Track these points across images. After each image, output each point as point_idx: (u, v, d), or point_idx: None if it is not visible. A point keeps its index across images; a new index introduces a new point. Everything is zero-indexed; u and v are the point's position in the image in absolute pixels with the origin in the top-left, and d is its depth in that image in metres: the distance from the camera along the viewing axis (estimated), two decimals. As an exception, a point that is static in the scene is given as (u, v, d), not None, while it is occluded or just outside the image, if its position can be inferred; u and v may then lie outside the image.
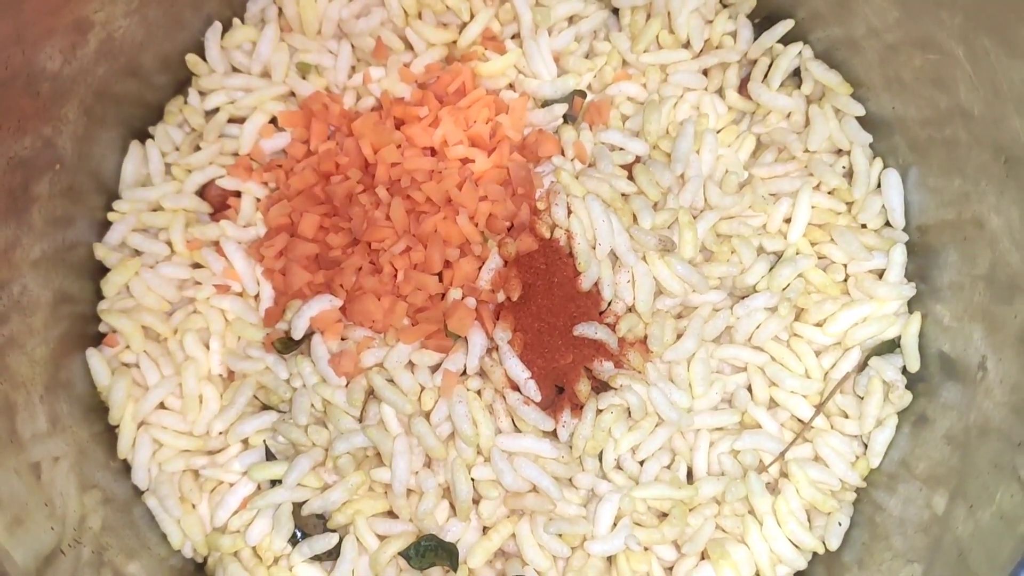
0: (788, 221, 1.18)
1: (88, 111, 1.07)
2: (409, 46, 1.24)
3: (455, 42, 1.24)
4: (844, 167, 1.20)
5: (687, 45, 1.26)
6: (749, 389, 1.14)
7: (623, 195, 1.16)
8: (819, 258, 1.17)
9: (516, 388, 1.08)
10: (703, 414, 1.11)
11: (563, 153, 1.20)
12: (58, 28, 0.99)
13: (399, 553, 1.05)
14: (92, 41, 1.04)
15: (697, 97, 1.24)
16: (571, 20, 1.26)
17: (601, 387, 1.11)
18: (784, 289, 1.14)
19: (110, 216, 1.15)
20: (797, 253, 1.16)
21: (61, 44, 1.00)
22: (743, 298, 1.15)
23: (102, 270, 1.14)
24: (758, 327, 1.13)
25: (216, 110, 1.21)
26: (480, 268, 1.11)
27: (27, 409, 0.99)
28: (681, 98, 1.24)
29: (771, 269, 1.15)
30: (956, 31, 1.01)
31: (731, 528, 1.10)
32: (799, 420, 1.13)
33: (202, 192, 1.20)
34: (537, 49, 1.22)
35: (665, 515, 1.09)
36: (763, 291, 1.14)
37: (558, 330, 1.10)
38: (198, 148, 1.20)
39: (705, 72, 1.27)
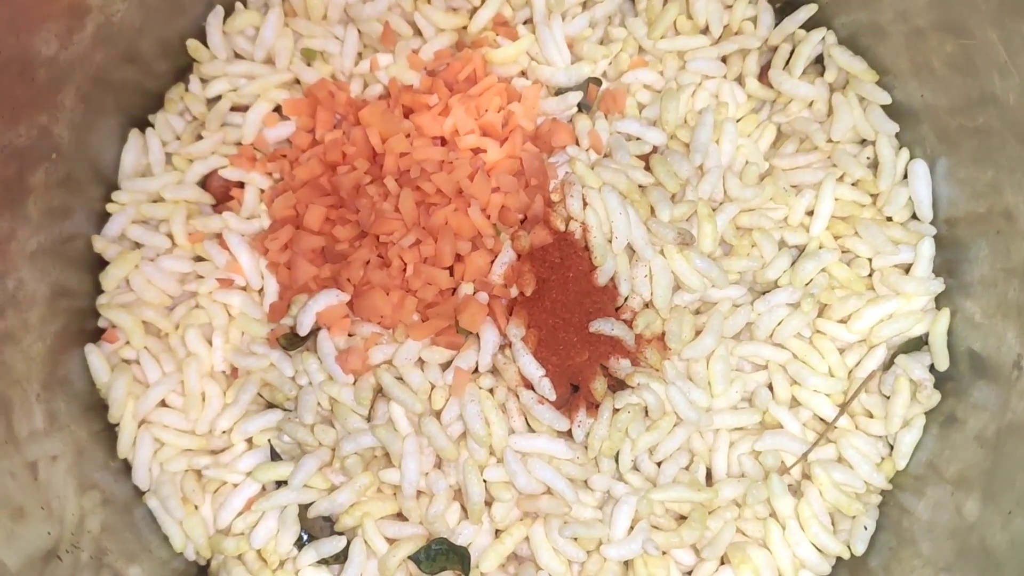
0: (811, 214, 1.14)
1: (86, 98, 1.04)
2: (418, 32, 1.21)
3: (465, 28, 1.21)
4: (869, 157, 1.16)
5: (705, 31, 1.23)
6: (770, 388, 1.11)
7: (640, 187, 1.12)
8: (843, 252, 1.13)
9: (530, 386, 1.05)
10: (723, 414, 1.08)
11: (577, 143, 1.16)
12: (54, 12, 0.96)
13: (409, 557, 1.02)
14: (89, 26, 1.01)
15: (716, 85, 1.21)
16: (585, 5, 1.23)
17: (618, 385, 1.08)
18: (807, 284, 1.10)
19: (109, 207, 1.12)
20: (820, 247, 1.12)
21: (57, 29, 0.97)
22: (764, 294, 1.11)
23: (101, 263, 1.11)
24: (780, 324, 1.10)
25: (218, 98, 1.18)
26: (492, 262, 1.08)
27: (23, 407, 0.96)
28: (700, 86, 1.21)
29: (793, 264, 1.11)
30: (990, 15, 0.97)
31: (752, 532, 1.07)
32: (822, 420, 1.10)
33: (204, 183, 1.17)
34: (550, 35, 1.18)
35: (683, 518, 1.06)
36: (785, 286, 1.10)
37: (573, 326, 1.07)
38: (200, 137, 1.17)
39: (724, 59, 1.23)
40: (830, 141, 1.17)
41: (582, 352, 1.06)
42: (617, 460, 1.06)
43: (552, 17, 1.19)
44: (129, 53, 1.09)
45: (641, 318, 1.08)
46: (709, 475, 1.09)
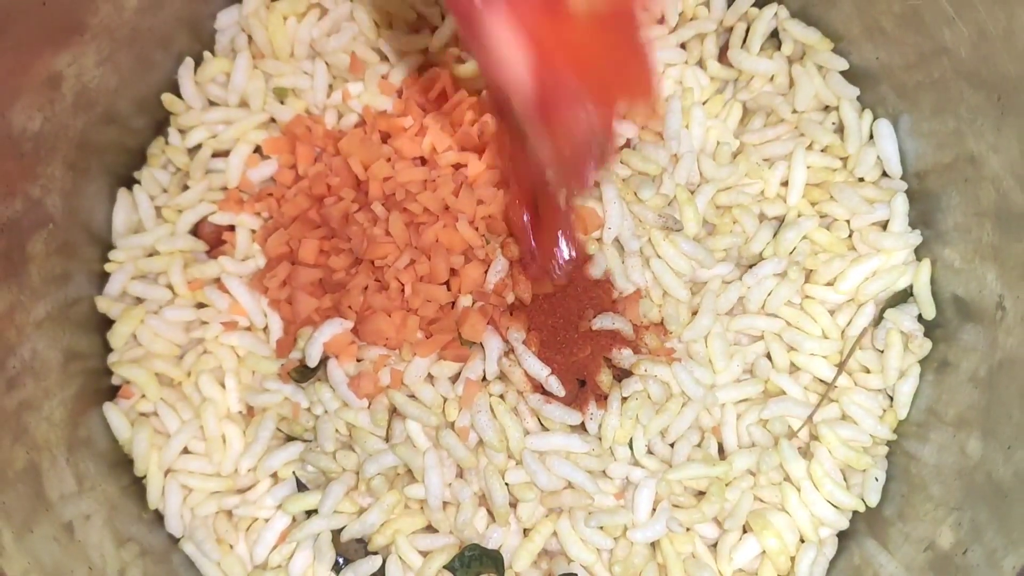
0: (785, 184, 1.19)
1: (72, 165, 1.08)
2: (384, 58, 1.24)
3: (427, 49, 1.24)
4: (834, 123, 1.21)
5: (661, 21, 1.26)
6: (769, 357, 1.15)
7: (623, 180, 1.16)
8: (821, 217, 1.18)
9: (539, 387, 1.09)
10: (727, 388, 1.12)
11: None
12: (32, 86, 0.99)
13: (444, 567, 1.06)
14: (68, 94, 1.05)
15: (679, 72, 1.25)
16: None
17: (622, 374, 1.12)
18: (791, 253, 1.15)
19: (107, 267, 1.15)
20: (799, 216, 1.17)
21: (38, 101, 1.00)
22: (751, 267, 1.15)
23: (107, 322, 1.15)
24: (770, 294, 1.14)
25: (199, 147, 1.21)
26: (486, 272, 1.12)
27: (53, 472, 1.00)
28: (663, 74, 1.24)
29: (775, 235, 1.16)
30: (932, -26, 1.02)
31: (769, 497, 1.11)
32: (822, 381, 1.14)
33: (196, 231, 1.20)
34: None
35: (702, 493, 1.10)
36: (770, 258, 1.15)
37: (572, 324, 1.11)
38: (186, 187, 1.20)
39: (683, 45, 1.27)
40: (795, 112, 1.21)
41: (584, 348, 1.10)
42: (631, 446, 1.10)
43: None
44: (108, 115, 1.13)
45: (639, 307, 1.12)
46: (721, 449, 1.13)
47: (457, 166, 1.16)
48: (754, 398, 1.14)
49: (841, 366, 1.13)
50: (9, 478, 0.93)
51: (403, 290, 1.11)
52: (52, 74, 1.02)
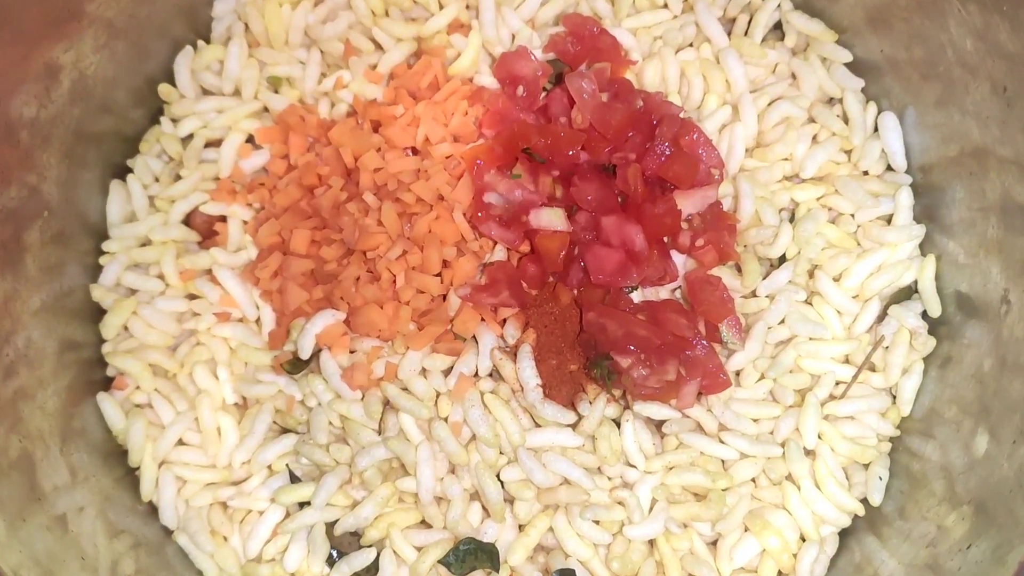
0: (788, 178, 1.19)
1: (69, 154, 1.11)
2: (379, 47, 1.24)
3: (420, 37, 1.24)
4: (839, 116, 1.21)
5: (665, 8, 1.27)
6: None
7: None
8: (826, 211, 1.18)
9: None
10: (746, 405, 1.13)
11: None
12: (30, 74, 1.03)
13: (439, 561, 1.07)
14: (65, 82, 1.08)
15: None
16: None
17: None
18: (798, 253, 1.14)
19: (101, 260, 1.17)
20: (809, 210, 1.16)
21: (35, 89, 1.04)
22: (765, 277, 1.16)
23: (101, 313, 1.18)
24: (781, 299, 1.14)
25: (192, 136, 1.21)
26: (479, 265, 1.13)
27: (47, 462, 1.04)
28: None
29: (794, 228, 1.15)
30: (937, -35, 1.03)
31: (768, 497, 1.12)
32: (838, 383, 1.15)
33: (188, 220, 1.21)
34: (504, 26, 1.22)
35: (698, 494, 1.11)
36: (788, 262, 1.15)
37: (570, 328, 1.13)
38: (179, 177, 1.21)
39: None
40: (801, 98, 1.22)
41: (575, 360, 1.13)
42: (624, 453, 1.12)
43: (503, 10, 1.22)
44: (104, 104, 1.16)
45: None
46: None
47: (450, 156, 1.16)
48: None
49: (862, 366, 1.14)
50: (3, 467, 0.97)
51: (395, 281, 1.12)
52: (50, 62, 1.05)
